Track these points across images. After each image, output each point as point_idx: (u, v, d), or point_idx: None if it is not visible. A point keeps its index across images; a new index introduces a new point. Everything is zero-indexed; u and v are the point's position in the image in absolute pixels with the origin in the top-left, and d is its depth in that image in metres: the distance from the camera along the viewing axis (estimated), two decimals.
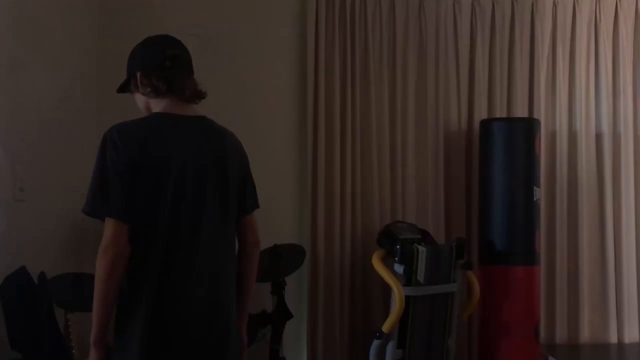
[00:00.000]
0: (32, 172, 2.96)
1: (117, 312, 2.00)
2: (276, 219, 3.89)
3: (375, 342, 3.35)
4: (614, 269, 4.19)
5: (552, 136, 4.22)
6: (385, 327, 3.32)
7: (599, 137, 4.25)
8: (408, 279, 3.39)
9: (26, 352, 2.53)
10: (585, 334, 4.14)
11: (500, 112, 4.17)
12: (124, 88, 2.19)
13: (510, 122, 3.94)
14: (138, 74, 2.10)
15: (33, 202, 2.96)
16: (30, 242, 2.93)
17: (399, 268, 3.40)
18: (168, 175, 1.98)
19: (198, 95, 2.15)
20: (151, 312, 1.94)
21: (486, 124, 3.93)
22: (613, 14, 4.27)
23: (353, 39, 4.04)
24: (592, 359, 3.95)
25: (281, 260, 3.58)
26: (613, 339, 4.16)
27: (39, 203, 3.02)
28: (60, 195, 3.24)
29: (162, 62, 2.08)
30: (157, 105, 2.10)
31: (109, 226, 1.91)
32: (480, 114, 4.14)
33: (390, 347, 3.37)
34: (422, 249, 3.43)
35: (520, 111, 4.17)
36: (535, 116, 4.15)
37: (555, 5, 4.25)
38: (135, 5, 3.94)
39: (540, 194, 3.84)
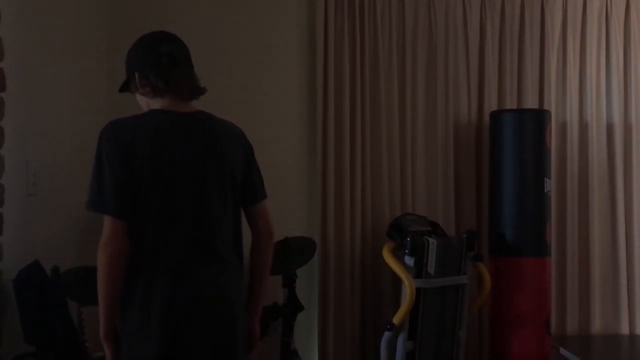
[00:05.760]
0: (45, 167, 2.98)
1: (122, 309, 2.01)
2: (287, 211, 3.91)
3: (386, 334, 3.36)
4: (626, 260, 4.17)
5: (563, 127, 4.20)
6: (396, 319, 3.33)
7: (610, 128, 4.23)
8: (418, 271, 3.40)
9: (40, 346, 2.55)
10: (597, 326, 4.13)
11: (510, 104, 4.15)
12: (124, 87, 2.19)
13: (520, 113, 3.92)
14: (136, 75, 2.10)
15: (46, 197, 2.98)
16: (43, 236, 2.95)
17: (409, 260, 3.40)
18: (165, 171, 1.99)
19: (198, 92, 2.14)
20: (160, 310, 1.96)
21: (496, 116, 3.91)
22: (624, 4, 4.23)
23: (362, 33, 4.03)
24: (603, 350, 3.94)
25: (292, 253, 3.59)
26: (624, 330, 4.15)
27: (52, 197, 3.04)
28: (72, 189, 3.26)
29: (158, 60, 2.06)
30: (156, 104, 2.10)
31: (107, 222, 1.94)
32: (490, 105, 4.13)
33: (401, 339, 3.38)
34: (432, 241, 3.43)
35: (531, 102, 4.15)
36: (546, 107, 4.13)
37: None
38: (144, 5, 3.95)
39: (550, 185, 3.83)
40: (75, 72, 3.39)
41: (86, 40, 3.57)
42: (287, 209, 3.94)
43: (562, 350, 3.76)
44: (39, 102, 2.97)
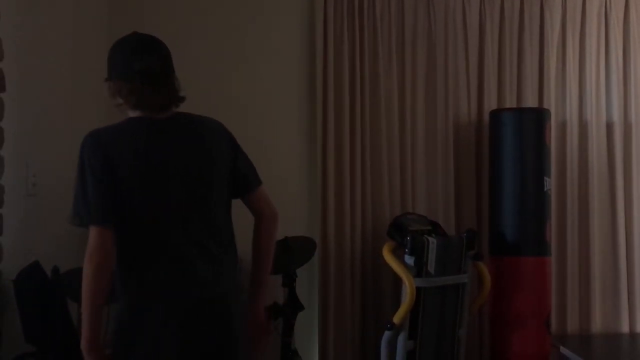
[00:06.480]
0: (44, 167, 2.98)
1: (122, 311, 2.01)
2: (287, 211, 3.85)
3: (387, 334, 3.36)
4: (626, 259, 4.17)
5: (563, 126, 4.20)
6: (396, 319, 3.33)
7: (609, 126, 4.23)
8: (418, 271, 3.40)
9: (40, 345, 2.56)
10: (597, 324, 4.12)
11: (510, 103, 4.15)
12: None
13: (520, 112, 3.92)
14: (110, 83, 2.05)
15: (45, 197, 2.98)
16: (43, 237, 2.95)
17: (409, 259, 3.40)
18: (155, 176, 1.98)
19: (174, 102, 2.08)
20: (162, 312, 1.96)
21: (496, 115, 3.91)
22: (623, 2, 4.23)
23: (362, 33, 4.03)
24: (603, 349, 3.94)
25: (292, 253, 3.59)
26: (625, 328, 4.14)
27: (52, 197, 3.04)
28: (72, 190, 3.26)
29: (130, 77, 2.01)
30: (134, 113, 2.06)
31: (93, 233, 1.92)
32: (490, 104, 4.12)
33: (401, 338, 3.38)
34: (432, 240, 3.43)
35: (530, 101, 4.15)
36: (546, 106, 4.13)
37: None
38: (144, 6, 3.94)
39: (550, 184, 3.83)
40: (75, 72, 3.39)
41: (86, 40, 3.57)
42: (287, 209, 3.88)
43: (563, 349, 3.76)
44: (39, 102, 2.97)
